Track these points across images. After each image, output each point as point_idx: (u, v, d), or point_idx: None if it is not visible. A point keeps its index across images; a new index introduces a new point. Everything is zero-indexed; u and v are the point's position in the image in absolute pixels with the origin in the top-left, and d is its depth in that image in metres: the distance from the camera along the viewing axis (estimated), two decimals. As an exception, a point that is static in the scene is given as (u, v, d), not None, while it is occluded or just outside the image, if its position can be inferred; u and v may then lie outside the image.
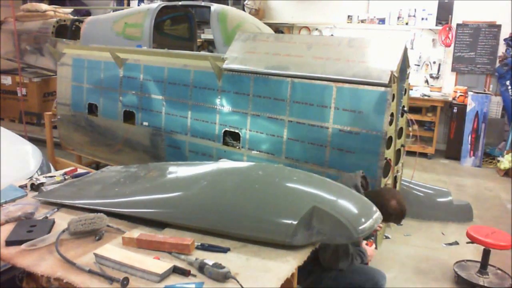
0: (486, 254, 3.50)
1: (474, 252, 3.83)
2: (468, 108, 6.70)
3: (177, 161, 3.92)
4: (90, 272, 1.77)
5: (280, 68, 3.47)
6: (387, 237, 4.13)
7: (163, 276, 1.74)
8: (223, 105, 3.79)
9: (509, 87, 6.77)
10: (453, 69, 7.38)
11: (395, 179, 3.71)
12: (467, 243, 3.58)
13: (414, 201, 4.52)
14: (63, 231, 2.07)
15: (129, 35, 4.78)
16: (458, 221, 4.54)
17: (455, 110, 6.87)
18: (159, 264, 1.81)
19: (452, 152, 6.96)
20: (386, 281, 2.70)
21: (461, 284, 3.49)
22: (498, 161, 6.44)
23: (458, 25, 7.16)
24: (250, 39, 3.82)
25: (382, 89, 3.02)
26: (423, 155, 6.93)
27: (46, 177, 2.86)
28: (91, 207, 2.35)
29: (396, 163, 3.66)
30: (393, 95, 3.20)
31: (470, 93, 6.81)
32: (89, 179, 2.83)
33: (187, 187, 2.40)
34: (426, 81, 7.53)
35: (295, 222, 1.99)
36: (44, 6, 7.48)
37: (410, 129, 3.69)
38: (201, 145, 3.96)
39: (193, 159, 4.02)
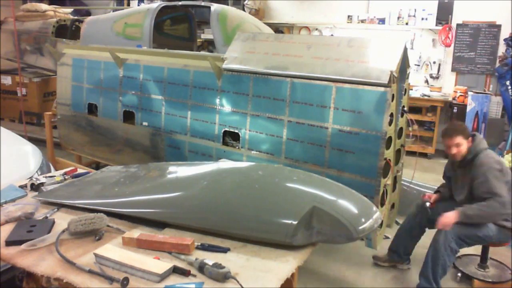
0: (485, 248, 3.53)
1: (474, 251, 3.83)
2: (468, 108, 6.70)
3: (177, 161, 3.92)
4: (90, 272, 1.77)
5: (280, 68, 3.47)
6: (387, 237, 4.13)
7: (163, 276, 1.74)
8: (223, 105, 3.79)
9: (509, 87, 6.77)
10: (453, 69, 7.38)
11: (395, 179, 3.71)
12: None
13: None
14: (63, 231, 2.08)
15: (129, 35, 4.79)
16: (458, 221, 4.53)
17: (455, 110, 6.87)
18: (159, 264, 1.81)
19: (452, 152, 6.95)
20: None
21: (461, 279, 3.50)
22: (498, 161, 6.43)
23: (458, 25, 7.16)
24: (250, 39, 3.82)
25: (382, 89, 3.02)
26: (423, 155, 6.93)
27: (46, 177, 2.86)
28: (91, 207, 2.35)
29: (396, 163, 3.66)
30: (393, 95, 3.20)
31: (470, 93, 6.81)
32: (89, 179, 2.83)
33: (187, 187, 2.40)
34: (426, 81, 7.53)
35: (295, 222, 1.99)
36: (44, 6, 7.49)
37: (410, 129, 3.68)
38: (201, 145, 3.96)
39: (192, 159, 4.02)
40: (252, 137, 3.64)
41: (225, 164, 2.92)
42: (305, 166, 3.35)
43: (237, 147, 3.77)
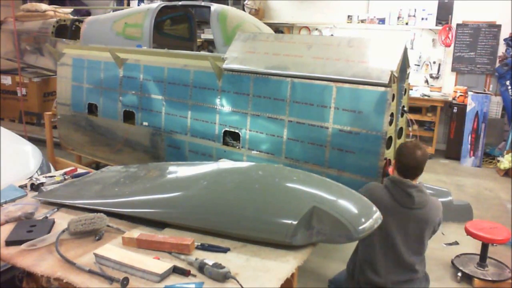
0: (484, 247, 3.54)
1: (474, 251, 3.83)
2: (468, 108, 6.70)
3: (177, 161, 3.92)
4: (90, 272, 1.77)
5: (280, 68, 3.47)
6: (387, 237, 4.13)
7: (163, 276, 1.74)
8: (223, 105, 3.79)
9: (509, 87, 6.77)
10: (453, 69, 7.38)
11: (395, 179, 3.70)
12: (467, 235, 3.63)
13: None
14: (63, 231, 2.07)
15: (129, 35, 4.78)
16: (458, 221, 4.53)
17: (455, 110, 6.88)
18: (159, 264, 1.81)
19: (452, 152, 6.96)
20: None
21: (461, 279, 3.50)
22: (498, 161, 6.44)
23: (458, 25, 7.16)
24: (250, 39, 3.82)
25: (382, 89, 3.02)
26: (423, 155, 6.92)
27: (46, 177, 2.86)
28: (91, 207, 2.35)
29: (396, 163, 3.66)
30: (393, 95, 3.20)
31: (470, 93, 6.81)
32: (89, 179, 2.83)
33: (187, 187, 2.40)
34: (426, 81, 7.53)
35: (295, 222, 1.99)
36: (44, 6, 7.48)
37: (410, 129, 3.68)
38: (201, 145, 3.96)
39: (193, 159, 4.01)
40: (252, 137, 3.64)
41: (225, 164, 2.92)
42: (305, 166, 3.35)
43: (237, 147, 3.77)
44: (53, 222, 2.22)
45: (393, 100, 3.20)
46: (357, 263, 2.69)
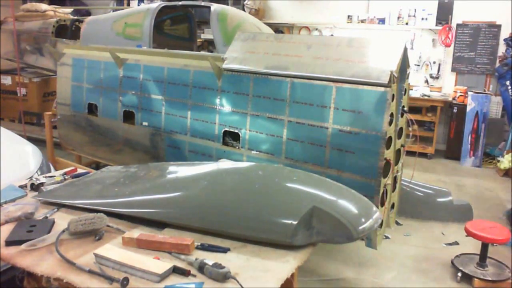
0: (484, 247, 3.54)
1: (474, 251, 3.83)
2: (468, 108, 6.70)
3: (177, 161, 3.91)
4: (90, 272, 1.77)
5: (280, 68, 3.47)
6: (387, 237, 4.13)
7: (163, 276, 1.74)
8: (223, 105, 3.79)
9: (509, 87, 6.77)
10: (453, 69, 7.38)
11: (395, 179, 3.71)
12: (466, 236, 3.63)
13: (414, 201, 4.52)
14: (63, 231, 2.08)
15: (129, 35, 4.78)
16: (458, 221, 4.54)
17: (455, 110, 6.88)
18: (159, 264, 1.81)
19: (452, 152, 6.96)
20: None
21: (461, 279, 3.50)
22: (498, 161, 6.44)
23: (458, 25, 7.16)
24: (250, 39, 3.82)
25: (382, 89, 3.02)
26: (423, 155, 6.93)
27: (46, 177, 2.86)
28: (91, 207, 2.35)
29: (396, 163, 3.66)
30: (393, 95, 3.20)
31: (470, 93, 6.81)
32: (89, 179, 2.83)
33: (187, 187, 2.40)
34: (426, 81, 7.53)
35: (295, 222, 1.99)
36: (44, 6, 7.48)
37: (410, 129, 3.68)
38: (201, 145, 3.96)
39: (192, 159, 4.01)
40: (252, 137, 3.64)
41: (225, 164, 2.92)
42: (305, 166, 3.35)
43: (237, 147, 3.77)
44: (53, 222, 2.22)
45: (393, 100, 3.20)
46: None
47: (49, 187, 2.69)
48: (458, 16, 7.13)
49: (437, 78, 7.47)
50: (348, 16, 7.85)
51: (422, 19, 7.26)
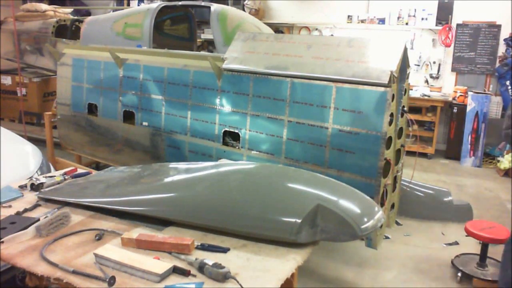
0: (484, 247, 3.54)
1: (474, 251, 3.83)
2: (468, 108, 6.70)
3: (178, 162, 3.91)
4: (74, 272, 1.76)
5: (280, 68, 3.47)
6: (387, 237, 4.13)
7: (163, 276, 1.74)
8: (223, 105, 3.79)
9: (509, 87, 6.77)
10: (453, 69, 7.38)
11: (395, 179, 3.71)
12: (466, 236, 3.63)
13: (414, 201, 4.52)
14: (38, 232, 2.08)
15: (129, 35, 4.78)
16: (458, 221, 4.54)
17: (455, 110, 6.87)
18: (159, 264, 1.81)
19: (452, 152, 6.96)
20: None
21: (461, 279, 3.50)
22: (498, 161, 6.44)
23: (458, 25, 7.16)
24: (250, 39, 3.82)
25: (382, 89, 3.02)
26: (423, 155, 6.93)
27: (46, 177, 2.86)
28: (96, 205, 2.35)
29: (396, 163, 3.66)
30: (393, 95, 3.20)
31: (470, 93, 6.81)
32: (93, 179, 2.84)
33: (192, 186, 2.41)
34: (426, 81, 7.53)
35: (299, 220, 1.99)
36: (44, 6, 7.48)
37: (410, 129, 3.68)
38: (201, 145, 3.96)
39: (192, 159, 4.01)
40: (252, 137, 3.64)
41: (229, 163, 2.92)
42: (305, 166, 3.35)
43: (237, 147, 3.77)
44: (37, 220, 2.21)
45: (393, 100, 3.20)
46: None
47: (48, 188, 2.69)
48: (458, 16, 7.13)
49: (437, 78, 7.47)
50: (348, 16, 7.84)
51: (422, 19, 7.26)
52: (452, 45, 7.23)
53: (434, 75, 7.47)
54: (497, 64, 7.02)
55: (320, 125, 3.27)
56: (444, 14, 7.13)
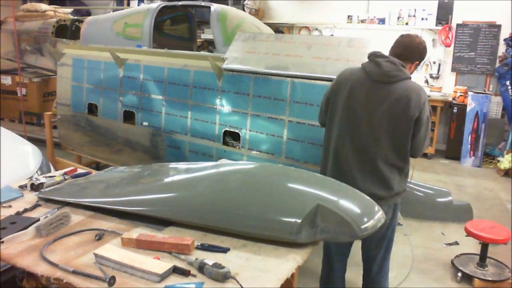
0: (484, 247, 3.54)
1: (474, 251, 3.83)
2: (468, 108, 6.70)
3: (179, 162, 3.92)
4: (74, 272, 1.76)
5: (280, 68, 3.47)
6: (387, 237, 4.13)
7: (163, 276, 1.74)
8: (223, 105, 3.79)
9: (509, 87, 6.77)
10: (453, 69, 7.38)
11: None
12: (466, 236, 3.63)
13: (414, 201, 4.52)
14: (38, 232, 2.08)
15: (129, 35, 4.79)
16: (458, 221, 4.54)
17: (455, 110, 6.88)
18: (159, 264, 1.81)
19: (452, 152, 6.96)
20: None
21: (461, 279, 3.50)
22: (498, 161, 6.44)
23: (458, 25, 7.16)
24: (250, 39, 3.82)
25: (382, 89, 3.01)
26: (423, 155, 6.93)
27: (46, 177, 2.85)
28: (96, 205, 2.35)
29: (396, 163, 3.65)
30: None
31: (470, 93, 6.81)
32: (93, 179, 2.84)
33: (192, 186, 2.40)
34: (426, 81, 7.53)
35: (299, 220, 1.99)
36: (44, 6, 7.49)
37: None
38: (201, 145, 3.96)
39: (193, 159, 4.01)
40: (252, 137, 3.64)
41: (229, 163, 2.92)
42: (305, 166, 3.35)
43: (237, 147, 3.77)
44: (37, 220, 2.21)
45: (393, 100, 3.20)
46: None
47: (49, 188, 2.69)
48: (458, 16, 7.13)
49: (437, 78, 7.47)
50: (348, 16, 7.85)
51: (422, 19, 7.27)
52: (452, 45, 7.23)
53: (434, 75, 7.47)
54: (497, 64, 7.02)
55: (320, 125, 3.27)
56: (444, 14, 7.14)
